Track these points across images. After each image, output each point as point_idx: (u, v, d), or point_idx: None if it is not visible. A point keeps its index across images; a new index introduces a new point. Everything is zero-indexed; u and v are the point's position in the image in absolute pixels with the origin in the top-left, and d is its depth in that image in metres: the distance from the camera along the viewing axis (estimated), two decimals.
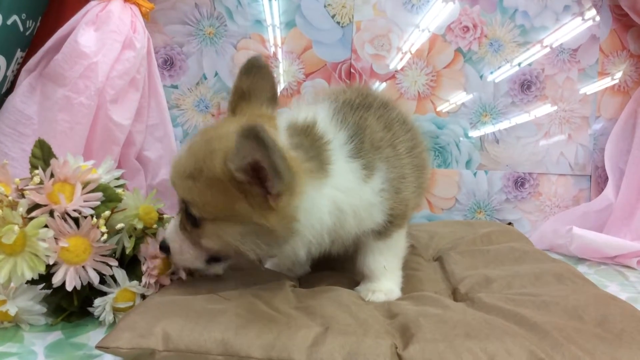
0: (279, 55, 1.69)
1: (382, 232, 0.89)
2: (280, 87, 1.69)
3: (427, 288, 0.97)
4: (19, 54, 1.36)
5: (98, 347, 0.69)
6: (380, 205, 0.85)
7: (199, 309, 0.75)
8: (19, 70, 1.38)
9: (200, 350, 0.68)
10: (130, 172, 1.48)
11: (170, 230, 0.85)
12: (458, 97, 1.72)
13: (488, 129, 1.72)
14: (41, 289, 0.90)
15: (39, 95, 1.33)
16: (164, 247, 0.86)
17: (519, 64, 1.71)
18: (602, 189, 1.68)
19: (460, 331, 0.71)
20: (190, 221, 0.80)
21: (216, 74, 1.68)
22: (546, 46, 1.72)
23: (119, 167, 1.42)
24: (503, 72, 1.72)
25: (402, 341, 0.71)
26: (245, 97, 0.87)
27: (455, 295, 0.95)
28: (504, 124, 1.72)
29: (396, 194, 0.86)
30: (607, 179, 1.68)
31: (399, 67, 1.70)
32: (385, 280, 0.92)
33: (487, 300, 0.84)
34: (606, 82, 1.73)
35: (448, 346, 0.67)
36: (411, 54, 1.70)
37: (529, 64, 1.72)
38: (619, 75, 1.74)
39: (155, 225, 0.94)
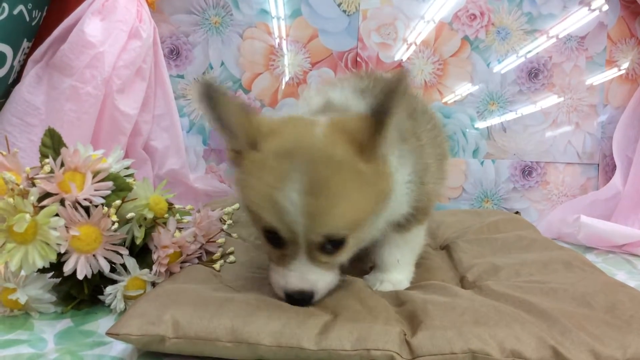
0: (284, 46, 1.68)
1: (403, 226, 0.88)
2: (285, 78, 1.69)
3: (435, 276, 0.96)
4: (25, 44, 1.36)
5: (108, 333, 0.69)
6: (406, 196, 0.84)
7: (208, 297, 0.76)
8: (25, 61, 1.38)
9: (210, 337, 0.68)
10: (137, 162, 1.49)
11: (306, 277, 0.75)
12: (465, 86, 1.71)
13: (495, 118, 1.71)
14: (50, 277, 0.90)
15: (46, 86, 1.33)
16: (304, 298, 0.76)
17: (527, 53, 1.70)
18: (610, 178, 1.67)
19: (468, 318, 0.71)
20: (330, 249, 0.74)
21: (222, 63, 1.67)
22: (553, 35, 1.70)
23: (126, 157, 1.42)
24: (510, 61, 1.70)
25: (410, 328, 0.71)
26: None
27: (463, 283, 0.95)
28: (511, 113, 1.71)
29: (421, 186, 0.86)
30: (615, 167, 1.67)
31: (405, 57, 1.69)
32: (396, 272, 0.91)
33: (495, 287, 0.84)
34: (614, 70, 1.72)
35: (456, 333, 0.67)
36: (416, 45, 1.69)
37: (537, 52, 1.70)
38: (626, 63, 1.72)
39: (166, 215, 0.95)
